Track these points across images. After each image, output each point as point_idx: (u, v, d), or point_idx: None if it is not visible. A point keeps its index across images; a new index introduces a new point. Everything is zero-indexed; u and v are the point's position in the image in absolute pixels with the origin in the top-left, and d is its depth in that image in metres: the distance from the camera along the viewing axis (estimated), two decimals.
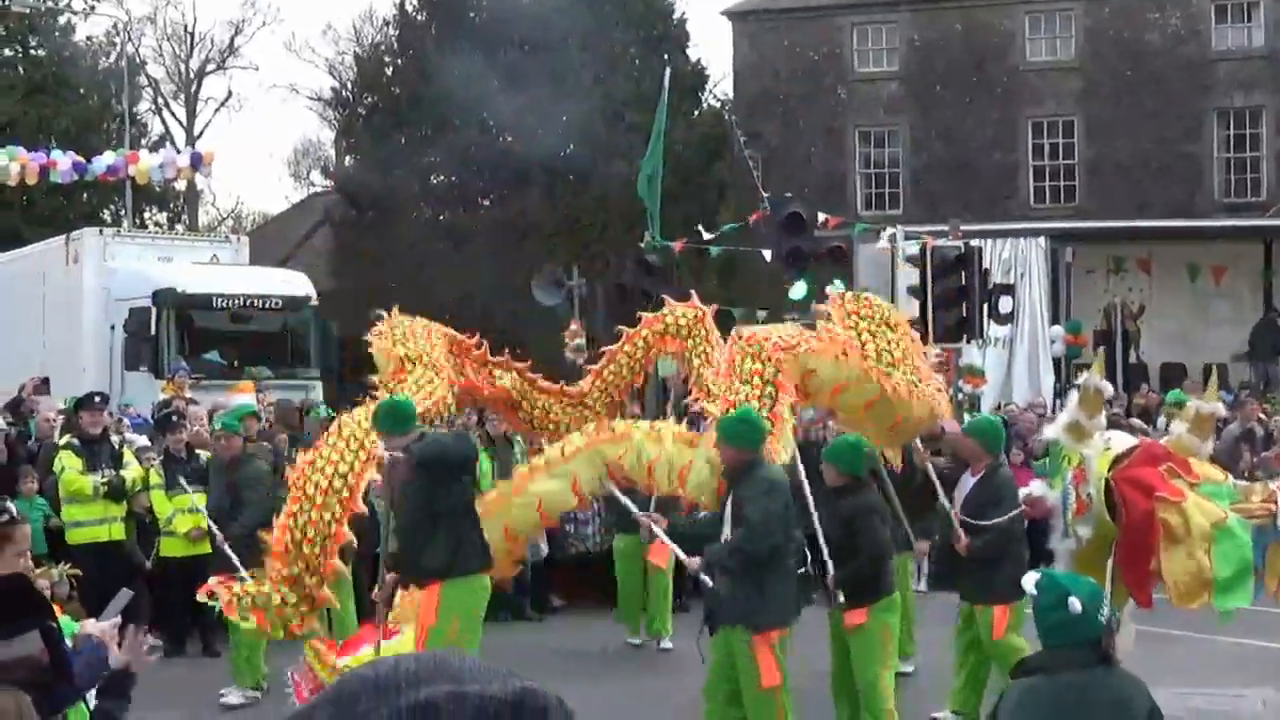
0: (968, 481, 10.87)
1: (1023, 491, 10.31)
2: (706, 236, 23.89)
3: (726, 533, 9.35)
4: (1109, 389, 8.92)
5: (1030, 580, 5.62)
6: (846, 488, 10.07)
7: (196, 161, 27.56)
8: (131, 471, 14.20)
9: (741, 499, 9.30)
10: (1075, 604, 5.31)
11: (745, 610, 9.22)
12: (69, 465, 13.95)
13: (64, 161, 25.48)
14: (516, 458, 16.27)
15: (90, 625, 5.55)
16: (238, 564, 11.35)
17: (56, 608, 6.06)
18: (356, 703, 1.56)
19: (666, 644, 13.96)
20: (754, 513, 9.19)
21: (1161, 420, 20.26)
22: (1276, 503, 7.17)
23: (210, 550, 12.51)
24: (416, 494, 9.73)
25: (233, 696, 12.29)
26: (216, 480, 12.97)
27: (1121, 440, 8.51)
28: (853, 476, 10.11)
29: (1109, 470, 8.02)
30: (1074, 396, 8.66)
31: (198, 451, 14.11)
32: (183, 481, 13.34)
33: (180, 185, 39.71)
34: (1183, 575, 7.30)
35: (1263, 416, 20.72)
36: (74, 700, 5.04)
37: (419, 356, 11.71)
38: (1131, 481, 7.81)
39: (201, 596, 10.84)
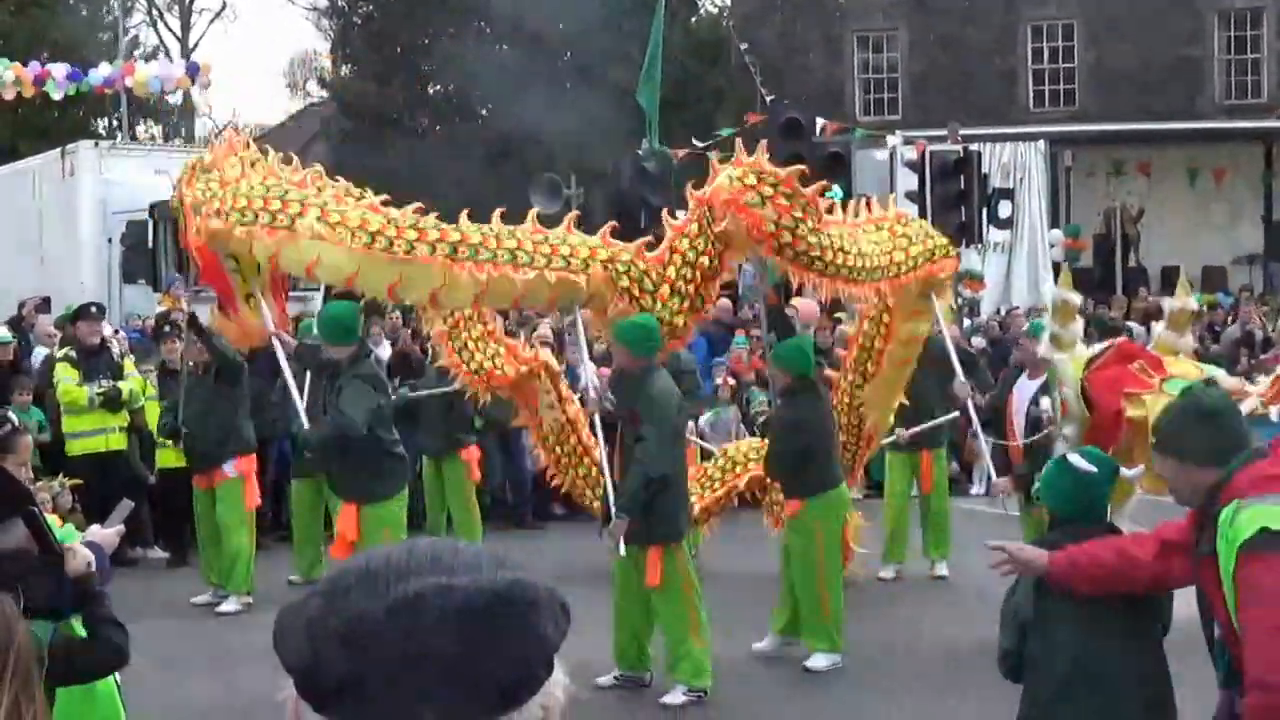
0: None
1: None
2: (701, 145, 23.81)
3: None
4: (1078, 298, 9.07)
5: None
6: (792, 389, 10.47)
7: (194, 72, 27.36)
8: (130, 383, 14.22)
9: (637, 412, 9.47)
10: (1082, 464, 5.47)
11: (644, 528, 9.45)
12: (65, 376, 13.95)
13: (59, 71, 25.30)
14: None
15: (93, 532, 5.59)
16: None
17: (57, 521, 6.09)
18: (347, 594, 1.57)
19: None
20: (651, 437, 9.36)
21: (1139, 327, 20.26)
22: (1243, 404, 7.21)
23: None
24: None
25: (227, 605, 12.40)
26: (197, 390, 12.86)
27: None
28: (801, 378, 10.45)
29: (1083, 372, 8.16)
30: (1049, 310, 8.85)
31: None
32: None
33: (177, 99, 39.50)
34: (1145, 462, 7.35)
35: (1261, 319, 20.74)
36: (71, 603, 5.05)
37: None
38: (1103, 381, 7.89)
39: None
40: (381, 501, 10.41)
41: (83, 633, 5.03)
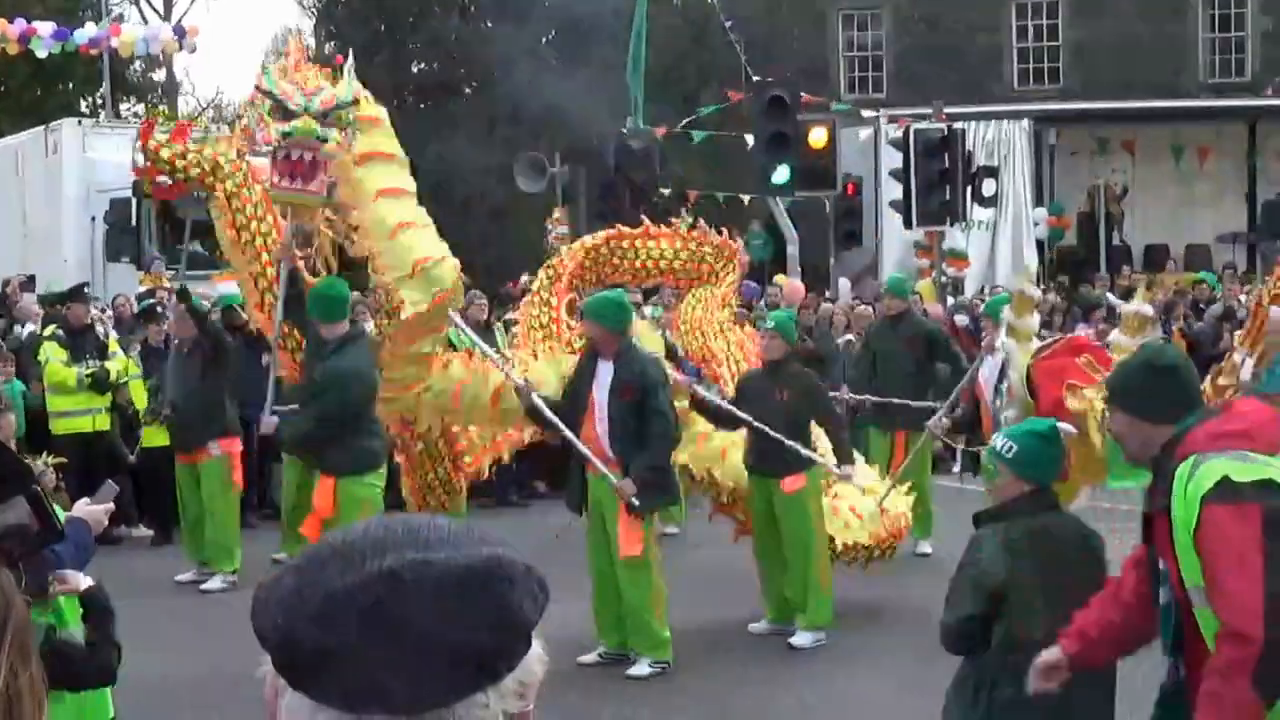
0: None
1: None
2: (686, 121, 23.80)
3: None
4: (1037, 292, 9.32)
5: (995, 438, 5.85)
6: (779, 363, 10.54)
7: (180, 34, 27.28)
8: (116, 363, 14.21)
9: (633, 386, 9.46)
10: (1067, 427, 5.63)
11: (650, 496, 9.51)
12: (53, 356, 13.94)
13: (45, 28, 25.17)
14: (499, 343, 16.30)
15: (80, 508, 5.60)
16: None
17: None
18: (323, 568, 1.58)
19: (672, 529, 13.88)
20: (664, 408, 9.46)
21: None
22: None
23: None
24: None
25: (212, 582, 12.41)
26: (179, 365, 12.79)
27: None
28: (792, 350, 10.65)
29: (1030, 359, 8.28)
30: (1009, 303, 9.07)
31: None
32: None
33: (160, 76, 39.39)
34: (1083, 455, 7.39)
35: (1243, 298, 20.79)
36: (107, 600, 5.10)
37: None
38: (1047, 370, 8.01)
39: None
40: (358, 475, 10.31)
41: (74, 619, 5.06)
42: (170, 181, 11.11)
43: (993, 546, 5.44)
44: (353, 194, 9.59)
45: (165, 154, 10.60)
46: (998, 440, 5.75)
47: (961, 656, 5.62)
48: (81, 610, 5.08)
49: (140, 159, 11.51)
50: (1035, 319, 8.92)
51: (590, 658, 9.70)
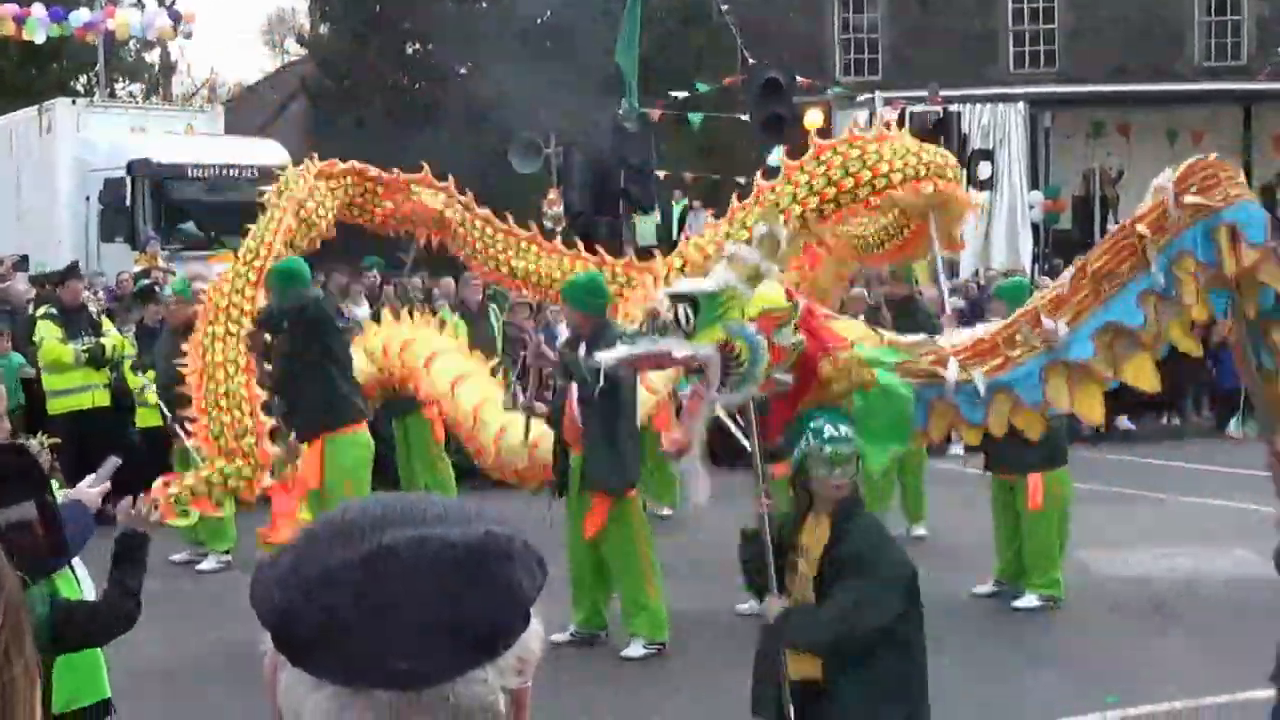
0: None
1: None
2: (678, 101, 23.78)
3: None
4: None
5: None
6: None
7: (176, 18, 27.26)
8: (111, 339, 14.22)
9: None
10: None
11: (605, 474, 9.55)
12: (48, 334, 13.94)
13: (39, 9, 25.13)
14: (492, 326, 16.31)
15: (83, 488, 5.62)
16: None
17: None
18: (321, 545, 1.59)
19: (665, 511, 13.84)
20: (626, 390, 9.51)
21: None
22: (946, 366, 7.19)
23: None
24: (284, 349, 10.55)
25: (207, 563, 12.42)
26: (168, 346, 12.77)
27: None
28: None
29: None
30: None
31: None
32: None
33: (154, 57, 39.33)
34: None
35: None
36: (62, 566, 5.09)
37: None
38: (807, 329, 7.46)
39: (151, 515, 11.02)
40: (338, 432, 10.43)
41: (73, 595, 5.08)
42: None
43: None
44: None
45: None
46: None
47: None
48: (115, 550, 5.26)
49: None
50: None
51: (562, 636, 9.75)
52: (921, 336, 8.44)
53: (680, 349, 5.81)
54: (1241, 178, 8.01)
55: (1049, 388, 7.37)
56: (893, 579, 5.59)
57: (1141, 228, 7.34)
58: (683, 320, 5.84)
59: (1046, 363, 7.31)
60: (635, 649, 9.68)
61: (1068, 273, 7.70)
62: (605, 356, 6.11)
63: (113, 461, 5.72)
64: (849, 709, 5.57)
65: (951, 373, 7.12)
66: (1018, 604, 10.74)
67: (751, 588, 6.14)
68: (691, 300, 5.88)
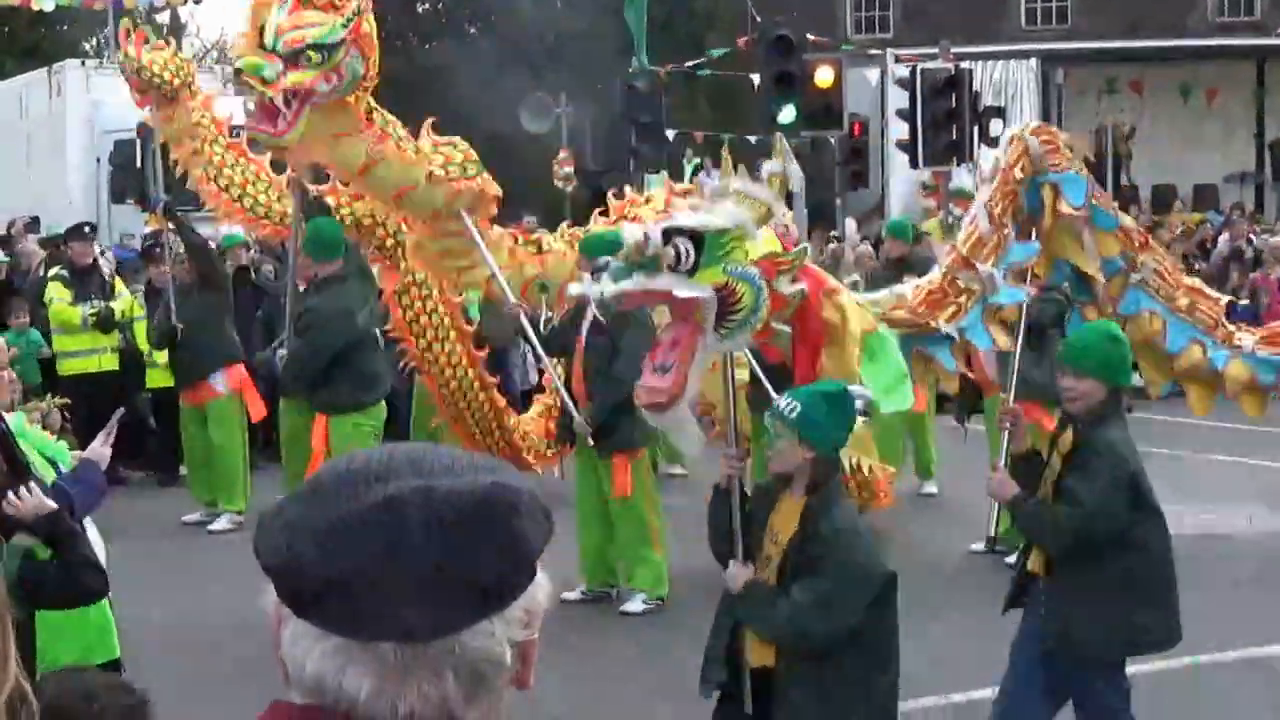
0: None
1: None
2: (690, 64, 23.70)
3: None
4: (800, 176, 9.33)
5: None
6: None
7: None
8: (121, 302, 14.21)
9: (606, 323, 9.37)
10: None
11: (622, 435, 9.45)
12: (58, 296, 13.93)
13: None
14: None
15: (95, 446, 5.63)
16: None
17: (49, 436, 6.11)
18: (326, 496, 1.58)
19: (678, 469, 13.74)
20: (628, 348, 9.06)
21: None
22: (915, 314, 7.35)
23: None
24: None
25: (219, 523, 12.43)
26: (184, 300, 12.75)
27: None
28: None
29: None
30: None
31: None
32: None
33: (164, 18, 39.07)
34: (841, 375, 6.95)
35: (1252, 238, 20.72)
36: (72, 523, 5.06)
37: None
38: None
39: None
40: (346, 414, 10.44)
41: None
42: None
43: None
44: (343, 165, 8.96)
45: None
46: (781, 400, 5.46)
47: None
48: (45, 540, 4.88)
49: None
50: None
51: (573, 594, 9.76)
52: (885, 291, 8.57)
53: (682, 288, 5.27)
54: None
55: (994, 330, 7.73)
56: (857, 582, 5.20)
57: (1017, 172, 8.54)
58: (682, 255, 5.28)
59: (983, 309, 7.67)
60: (635, 604, 9.68)
61: (979, 211, 8.30)
62: (597, 290, 5.44)
63: (118, 414, 5.76)
64: (799, 709, 5.21)
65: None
66: (1011, 560, 10.70)
67: (715, 551, 5.68)
68: (693, 235, 5.34)
